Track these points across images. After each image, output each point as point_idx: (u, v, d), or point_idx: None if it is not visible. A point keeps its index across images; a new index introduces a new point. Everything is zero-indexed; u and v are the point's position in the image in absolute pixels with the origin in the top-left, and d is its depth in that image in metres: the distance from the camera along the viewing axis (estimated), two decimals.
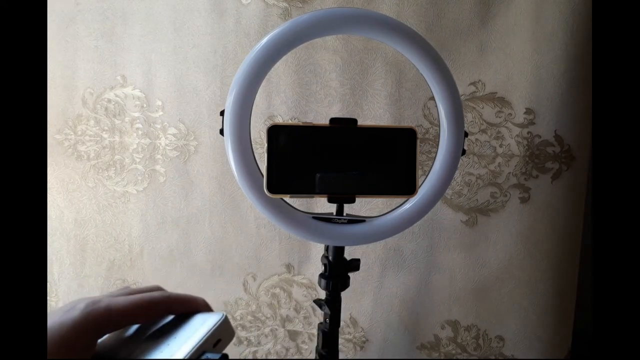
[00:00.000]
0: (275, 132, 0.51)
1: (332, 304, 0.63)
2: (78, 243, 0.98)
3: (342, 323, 0.91)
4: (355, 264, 0.63)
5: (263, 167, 0.52)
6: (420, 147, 0.85)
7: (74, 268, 0.99)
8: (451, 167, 0.57)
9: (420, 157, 0.84)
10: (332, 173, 0.53)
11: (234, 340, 0.99)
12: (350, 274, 0.64)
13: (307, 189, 0.53)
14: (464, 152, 0.58)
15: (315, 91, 0.85)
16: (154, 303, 0.36)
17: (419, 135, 0.74)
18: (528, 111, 0.83)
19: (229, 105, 0.53)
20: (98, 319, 0.32)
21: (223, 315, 0.34)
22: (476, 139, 0.85)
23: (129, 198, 0.94)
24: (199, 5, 0.85)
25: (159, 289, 0.39)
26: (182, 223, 0.93)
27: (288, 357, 0.99)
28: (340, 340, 0.93)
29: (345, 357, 0.97)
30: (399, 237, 0.88)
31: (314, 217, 0.58)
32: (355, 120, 0.53)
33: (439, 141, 0.58)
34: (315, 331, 0.97)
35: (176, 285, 0.96)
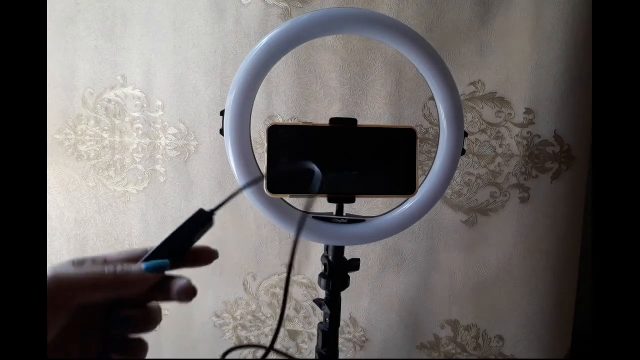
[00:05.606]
0: (275, 132, 0.51)
1: (332, 304, 0.63)
2: (78, 243, 0.98)
3: (342, 323, 0.91)
4: (355, 264, 0.63)
5: (263, 167, 0.52)
6: (420, 147, 0.85)
7: None
8: (451, 167, 0.57)
9: (420, 157, 0.84)
10: (332, 173, 0.53)
11: (234, 340, 0.99)
12: (350, 274, 0.64)
13: (307, 189, 0.53)
14: (464, 152, 0.58)
15: (315, 91, 0.85)
16: (119, 282, 0.31)
17: (419, 135, 0.74)
18: (528, 111, 0.83)
19: (229, 106, 0.53)
20: (52, 291, 0.29)
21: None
22: (476, 139, 0.85)
23: (129, 198, 0.94)
24: (199, 5, 0.85)
25: (143, 254, 0.34)
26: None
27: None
28: (340, 340, 0.93)
29: (345, 357, 0.97)
30: (399, 237, 0.88)
31: (314, 217, 0.58)
32: (355, 120, 0.53)
33: (439, 141, 0.58)
34: (315, 331, 0.97)
35: None
